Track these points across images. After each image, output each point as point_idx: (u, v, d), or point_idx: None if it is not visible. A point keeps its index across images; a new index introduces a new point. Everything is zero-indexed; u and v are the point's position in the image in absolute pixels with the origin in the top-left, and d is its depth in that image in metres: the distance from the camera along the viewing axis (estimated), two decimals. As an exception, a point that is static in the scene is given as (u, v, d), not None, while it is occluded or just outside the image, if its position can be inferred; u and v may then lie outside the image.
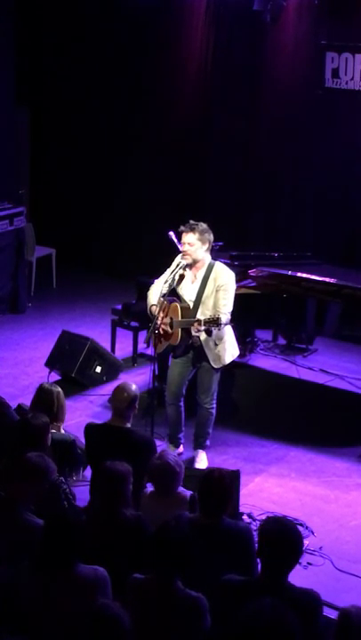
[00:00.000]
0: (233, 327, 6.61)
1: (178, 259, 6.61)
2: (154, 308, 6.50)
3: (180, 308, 6.49)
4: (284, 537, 3.90)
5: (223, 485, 4.55)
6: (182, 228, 6.48)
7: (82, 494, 5.58)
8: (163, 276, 6.65)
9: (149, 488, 5.27)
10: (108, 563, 4.09)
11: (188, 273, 6.54)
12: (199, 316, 6.38)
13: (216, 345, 6.51)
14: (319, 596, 3.96)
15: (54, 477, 4.80)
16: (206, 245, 6.48)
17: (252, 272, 7.72)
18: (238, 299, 6.60)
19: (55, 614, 3.85)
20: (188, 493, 5.02)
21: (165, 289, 6.45)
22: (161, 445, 6.55)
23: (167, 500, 4.99)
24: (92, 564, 4.00)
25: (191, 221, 6.48)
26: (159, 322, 6.44)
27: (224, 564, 4.20)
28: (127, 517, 4.52)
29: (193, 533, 4.14)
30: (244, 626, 3.31)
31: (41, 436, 5.22)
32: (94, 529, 4.34)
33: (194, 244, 6.43)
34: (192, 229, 6.43)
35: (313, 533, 5.91)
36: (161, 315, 6.45)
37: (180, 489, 5.08)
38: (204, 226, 6.47)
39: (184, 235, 6.46)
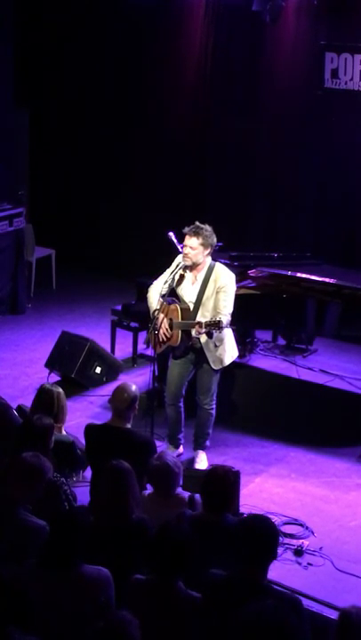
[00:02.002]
0: (233, 329, 6.59)
1: (178, 259, 6.58)
2: (157, 313, 6.43)
3: (180, 309, 6.47)
4: (256, 531, 3.90)
5: (227, 482, 4.56)
6: (186, 229, 6.38)
7: (82, 495, 5.59)
8: (162, 276, 6.62)
9: (149, 489, 5.27)
10: (112, 564, 4.09)
11: (188, 274, 6.51)
12: (199, 317, 6.36)
13: (216, 346, 6.48)
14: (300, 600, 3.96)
15: (52, 476, 4.80)
16: (208, 249, 6.42)
17: (251, 272, 7.72)
18: (238, 299, 6.59)
19: (59, 614, 3.85)
20: (187, 495, 5.02)
21: (165, 289, 6.43)
22: (161, 446, 6.55)
23: (166, 502, 4.99)
24: (95, 565, 4.00)
25: (197, 223, 6.38)
26: (159, 323, 6.43)
27: (226, 562, 4.20)
28: (131, 519, 4.50)
29: (195, 531, 4.14)
30: (245, 626, 3.31)
31: (44, 438, 5.21)
32: (99, 529, 4.34)
33: (196, 248, 6.36)
34: (196, 234, 6.33)
35: (313, 533, 5.92)
36: (161, 316, 6.44)
37: (179, 490, 5.09)
38: (208, 230, 6.37)
39: (187, 237, 6.37)
